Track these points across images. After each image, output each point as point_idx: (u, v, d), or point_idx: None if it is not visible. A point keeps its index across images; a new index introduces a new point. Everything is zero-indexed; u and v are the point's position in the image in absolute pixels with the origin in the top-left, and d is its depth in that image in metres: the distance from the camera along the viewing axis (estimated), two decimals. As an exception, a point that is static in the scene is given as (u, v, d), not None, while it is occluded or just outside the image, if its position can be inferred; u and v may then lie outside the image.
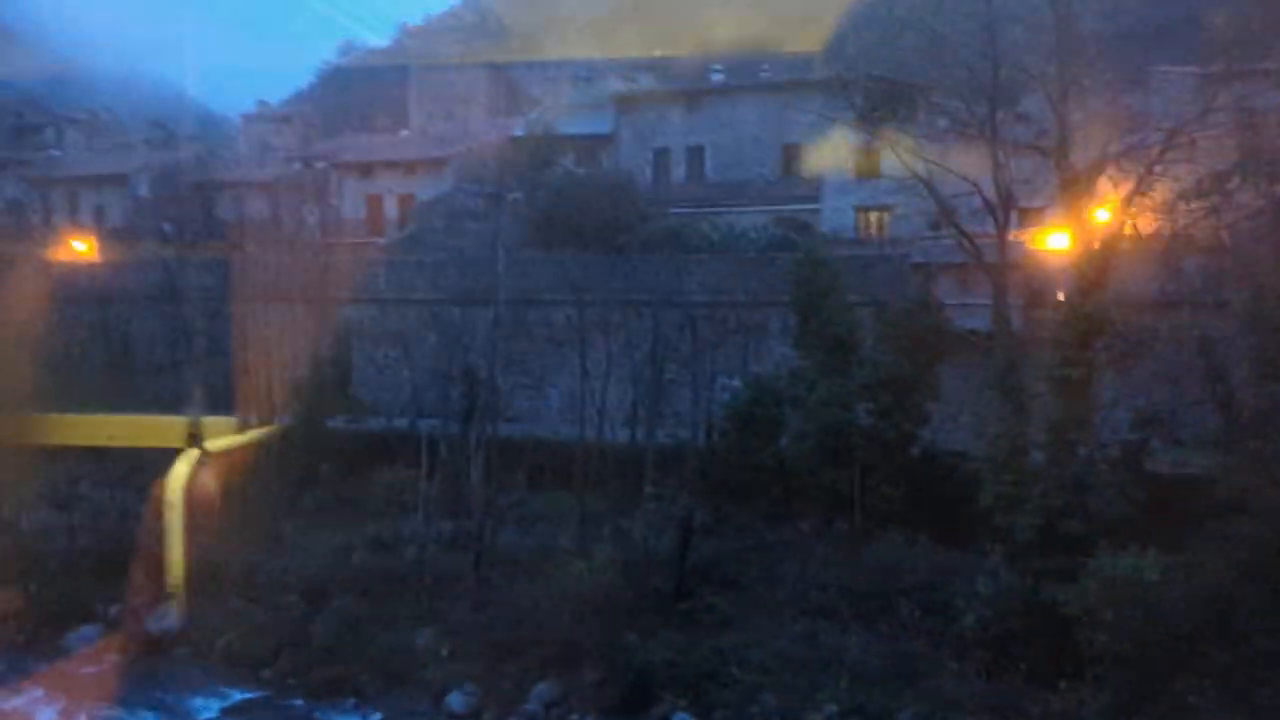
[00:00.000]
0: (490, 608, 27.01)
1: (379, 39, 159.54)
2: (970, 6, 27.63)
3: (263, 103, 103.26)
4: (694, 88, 58.17)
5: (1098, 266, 22.95)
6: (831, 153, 49.17)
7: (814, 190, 51.80)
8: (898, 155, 27.75)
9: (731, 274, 40.04)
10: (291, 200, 61.18)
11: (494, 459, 30.72)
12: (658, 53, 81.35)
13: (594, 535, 28.44)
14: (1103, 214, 25.41)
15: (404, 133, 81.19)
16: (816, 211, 50.61)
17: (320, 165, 66.07)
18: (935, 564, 25.18)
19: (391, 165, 56.89)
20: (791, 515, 28.00)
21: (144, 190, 57.84)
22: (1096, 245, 23.58)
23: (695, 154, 56.15)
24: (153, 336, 48.62)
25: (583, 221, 44.02)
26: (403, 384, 45.36)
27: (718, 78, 62.02)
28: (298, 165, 70.60)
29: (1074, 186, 23.79)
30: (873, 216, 48.76)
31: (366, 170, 57.82)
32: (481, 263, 45.33)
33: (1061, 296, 34.67)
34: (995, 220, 25.93)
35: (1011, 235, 40.17)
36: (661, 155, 56.96)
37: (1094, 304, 22.51)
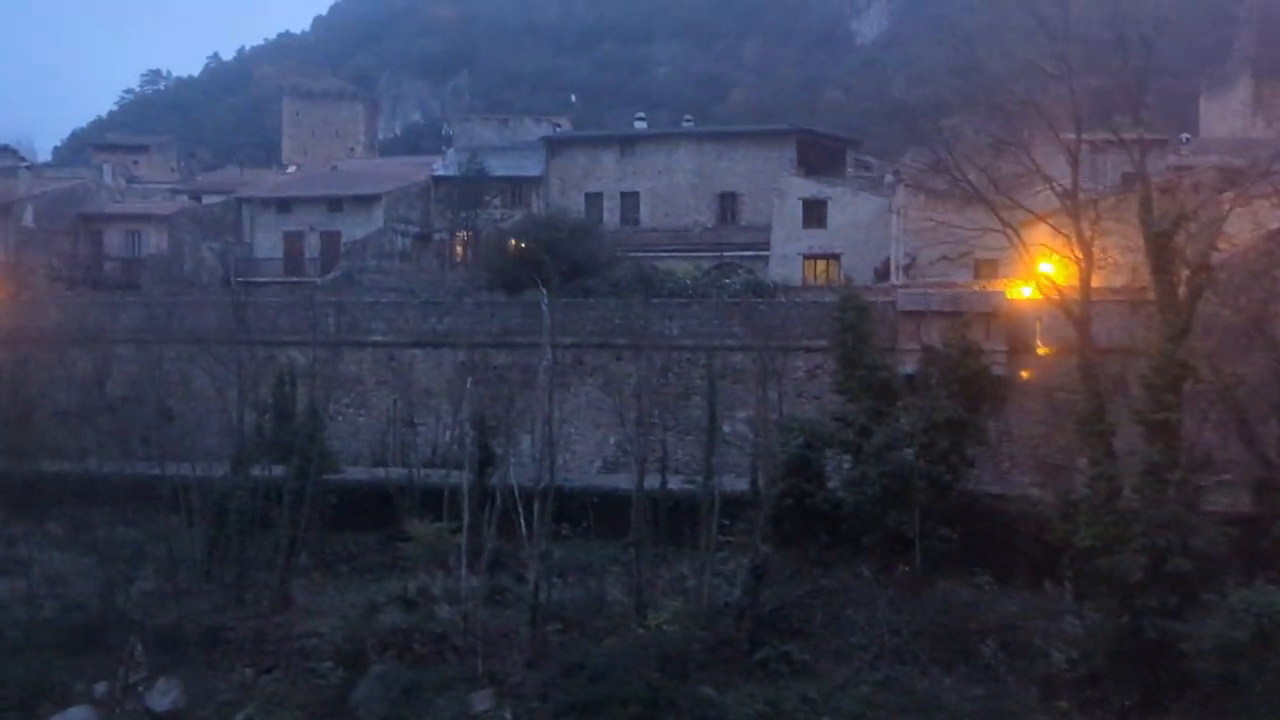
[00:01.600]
0: (548, 666, 25.61)
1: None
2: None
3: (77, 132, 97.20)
4: (628, 134, 58.50)
5: (1185, 314, 24.18)
6: (778, 202, 50.33)
7: (754, 238, 52.76)
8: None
9: (715, 319, 40.00)
10: (190, 235, 57.38)
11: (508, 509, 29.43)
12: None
13: (641, 585, 27.45)
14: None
15: (291, 168, 77.86)
16: (760, 259, 51.46)
17: (216, 199, 62.34)
18: (1006, 604, 25.62)
19: (313, 201, 54.14)
20: (846, 559, 27.90)
21: (29, 220, 52.79)
22: (1182, 293, 24.82)
23: (630, 199, 56.30)
24: (55, 382, 44.18)
25: (550, 263, 43.01)
26: (359, 431, 43.23)
27: (641, 125, 62.49)
28: (184, 198, 66.49)
29: (1160, 240, 24.99)
30: (819, 265, 49.99)
31: (285, 206, 54.82)
32: (442, 304, 43.93)
33: (1040, 344, 36.72)
34: (1080, 272, 26.72)
35: (978, 285, 42.38)
36: (594, 199, 56.79)
37: (1185, 350, 23.65)
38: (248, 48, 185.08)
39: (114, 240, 56.41)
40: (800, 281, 49.77)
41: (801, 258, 49.51)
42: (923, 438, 26.99)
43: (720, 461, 37.56)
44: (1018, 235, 27.97)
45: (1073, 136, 27.25)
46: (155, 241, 55.76)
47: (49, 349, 43.88)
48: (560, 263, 43.86)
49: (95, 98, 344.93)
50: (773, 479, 28.07)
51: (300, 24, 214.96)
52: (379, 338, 42.75)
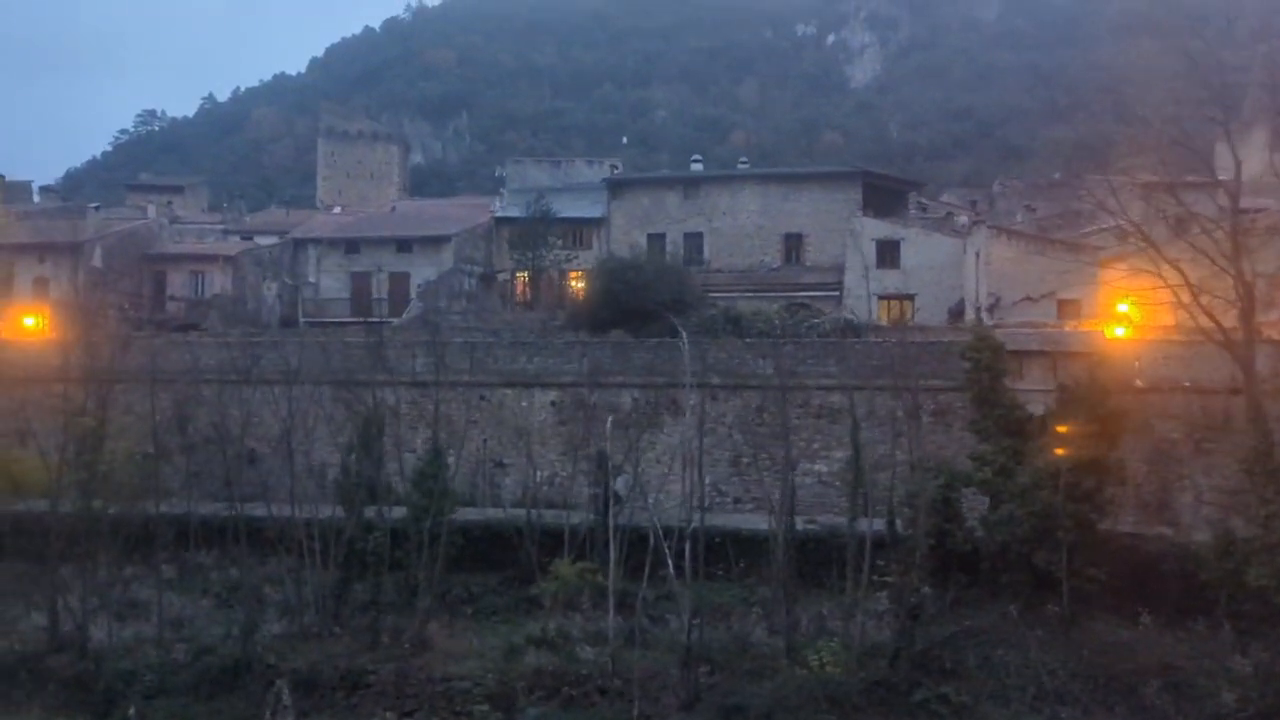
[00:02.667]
0: (704, 708, 25.39)
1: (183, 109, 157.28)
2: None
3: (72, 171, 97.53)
4: (692, 175, 58.95)
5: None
6: (851, 242, 50.71)
7: (821, 278, 53.13)
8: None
9: (811, 358, 40.12)
10: (252, 275, 57.47)
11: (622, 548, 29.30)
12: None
13: (789, 625, 27.30)
14: None
15: (336, 209, 78.04)
16: (828, 299, 51.78)
17: (268, 239, 62.51)
18: (1165, 643, 25.56)
19: (382, 242, 54.29)
20: (986, 599, 27.83)
21: (98, 261, 52.79)
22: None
23: (693, 240, 56.63)
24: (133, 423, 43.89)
25: (637, 304, 43.25)
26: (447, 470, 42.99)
27: (698, 166, 63.02)
28: (235, 238, 66.65)
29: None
30: (893, 305, 50.31)
31: (353, 246, 54.95)
32: (532, 344, 43.93)
33: (1139, 382, 36.88)
34: (1242, 311, 26.88)
35: (1070, 325, 42.66)
36: (656, 240, 57.11)
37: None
38: (243, 89, 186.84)
39: (177, 280, 56.40)
40: (875, 322, 50.12)
41: (876, 298, 49.82)
42: (1068, 476, 27.05)
43: (817, 502, 37.76)
44: (1172, 277, 27.92)
45: (1227, 178, 27.48)
46: (220, 282, 55.77)
47: (129, 389, 43.73)
48: (647, 303, 44.31)
49: (89, 138, 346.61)
50: (911, 519, 28.06)
51: (295, 66, 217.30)
52: (468, 377, 42.71)
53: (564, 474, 40.41)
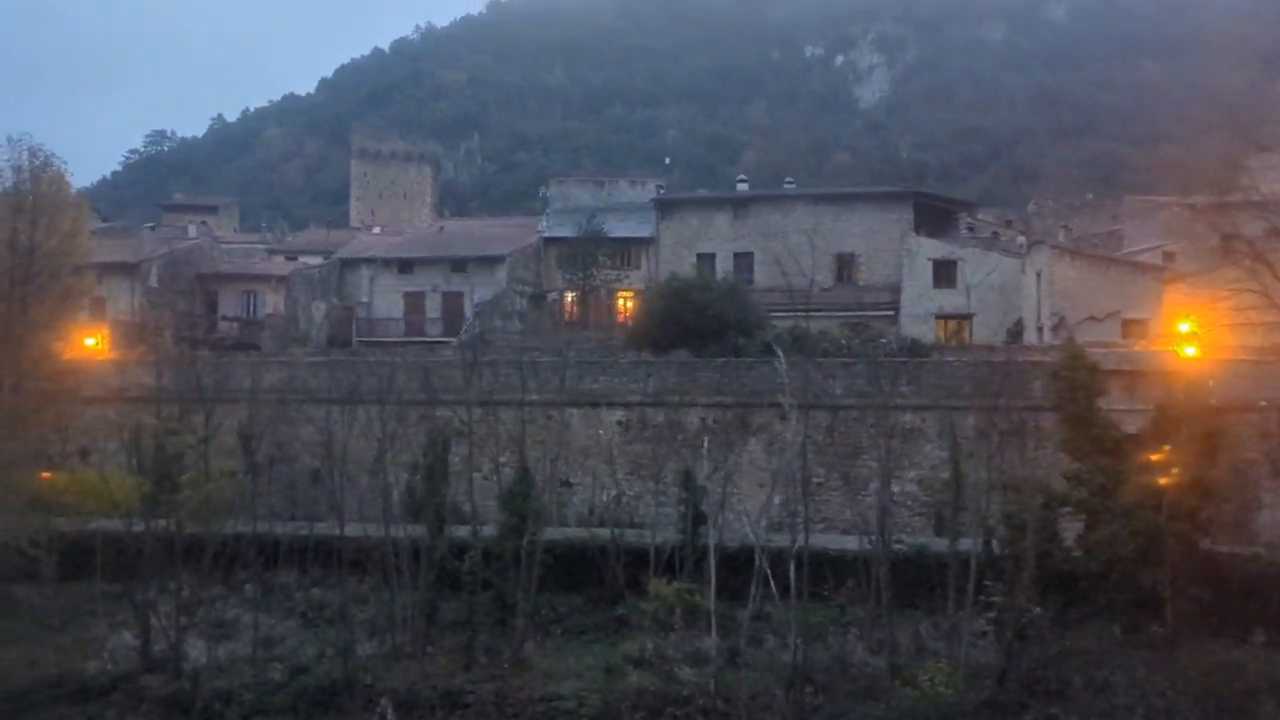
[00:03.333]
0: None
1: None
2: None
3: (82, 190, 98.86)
4: (741, 195, 59.15)
5: None
6: (908, 262, 50.85)
7: (874, 298, 53.20)
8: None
9: (880, 377, 40.06)
10: (303, 295, 57.69)
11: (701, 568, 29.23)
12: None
13: (891, 646, 27.21)
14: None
15: (376, 230, 78.29)
16: (882, 318, 51.84)
17: (311, 259, 62.79)
18: (1276, 662, 25.41)
19: (436, 262, 54.51)
20: (1084, 620, 27.71)
21: (154, 281, 53.01)
22: None
23: (743, 259, 56.74)
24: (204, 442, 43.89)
25: (701, 324, 43.32)
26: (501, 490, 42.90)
27: (743, 186, 63.25)
28: (280, 258, 66.95)
29: None
30: (950, 325, 50.35)
31: (406, 266, 55.16)
32: (598, 364, 43.97)
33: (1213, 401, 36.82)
34: None
35: (1139, 344, 42.66)
36: (705, 260, 57.24)
37: None
38: (252, 109, 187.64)
39: (229, 300, 56.61)
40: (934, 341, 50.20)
41: (934, 317, 49.87)
42: (1171, 495, 26.99)
43: (892, 522, 37.62)
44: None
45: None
46: (271, 301, 55.97)
47: (192, 409, 43.81)
48: (711, 322, 44.39)
49: (95, 158, 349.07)
50: (1009, 538, 27.99)
51: (304, 86, 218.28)
52: (534, 396, 42.73)
53: (631, 493, 40.52)
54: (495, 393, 43.30)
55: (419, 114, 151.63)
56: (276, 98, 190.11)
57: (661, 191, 63.71)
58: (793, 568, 27.55)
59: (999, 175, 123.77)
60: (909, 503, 38.83)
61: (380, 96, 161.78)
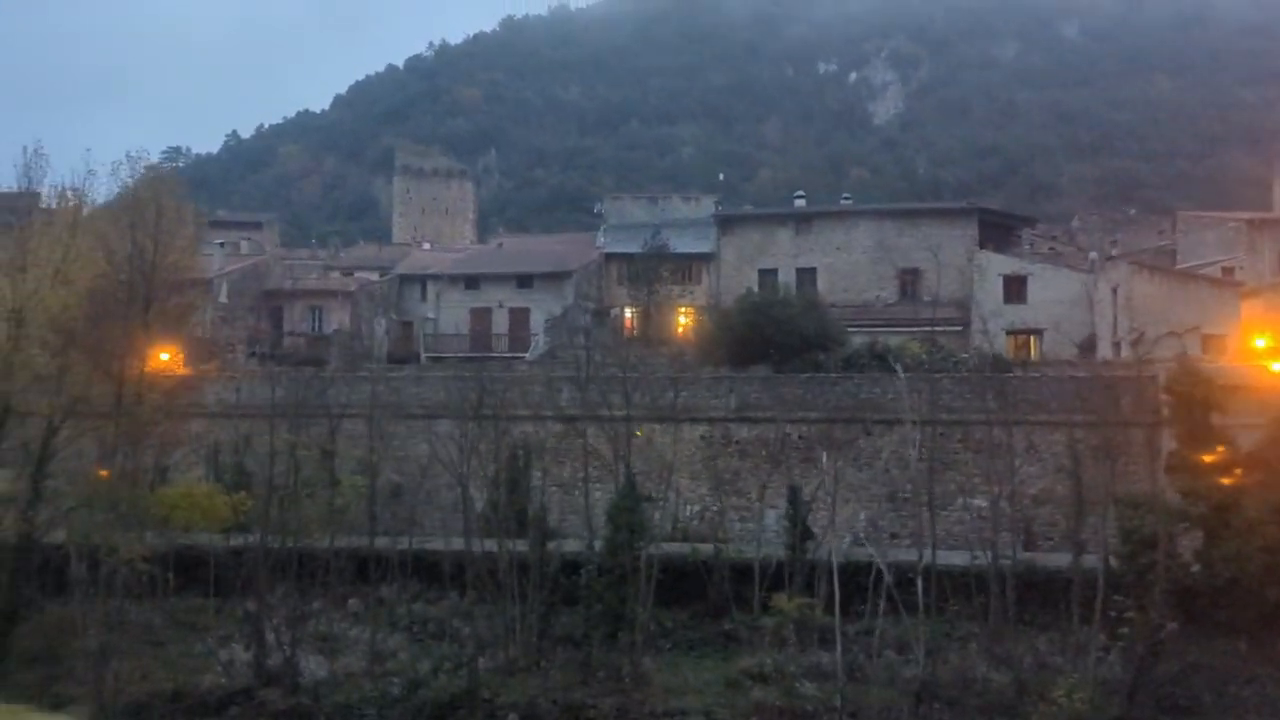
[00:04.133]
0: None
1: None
2: None
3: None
4: (804, 211, 59.31)
5: None
6: (978, 277, 50.93)
7: (939, 313, 53.26)
8: None
9: (968, 392, 40.07)
10: (367, 310, 58.02)
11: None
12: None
13: (1014, 662, 27.16)
14: None
15: (426, 245, 78.66)
16: (949, 333, 51.85)
17: (367, 275, 63.14)
18: None
19: (503, 278, 54.79)
20: (1205, 635, 27.63)
21: (224, 297, 53.43)
22: None
23: (806, 275, 56.84)
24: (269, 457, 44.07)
25: (782, 339, 43.40)
26: (596, 505, 43.01)
27: (800, 202, 63.45)
28: (336, 274, 67.33)
29: None
30: (1019, 340, 50.38)
31: (473, 282, 55.45)
32: (680, 379, 44.00)
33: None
34: None
35: (1222, 359, 42.59)
36: (767, 276, 57.36)
37: None
38: (267, 126, 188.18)
39: (295, 316, 56.94)
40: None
41: (1004, 333, 49.88)
42: (1297, 509, 26.94)
43: (977, 537, 37.58)
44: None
45: None
46: (337, 317, 56.29)
47: (273, 424, 43.97)
48: (791, 337, 44.49)
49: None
50: (1129, 554, 27.96)
51: (319, 103, 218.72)
52: (618, 412, 42.82)
53: (714, 508, 40.53)
54: (572, 409, 43.53)
55: (435, 130, 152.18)
56: (291, 114, 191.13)
57: (720, 208, 63.90)
58: (920, 583, 27.55)
59: (1016, 192, 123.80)
60: (983, 517, 38.84)
61: (397, 113, 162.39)
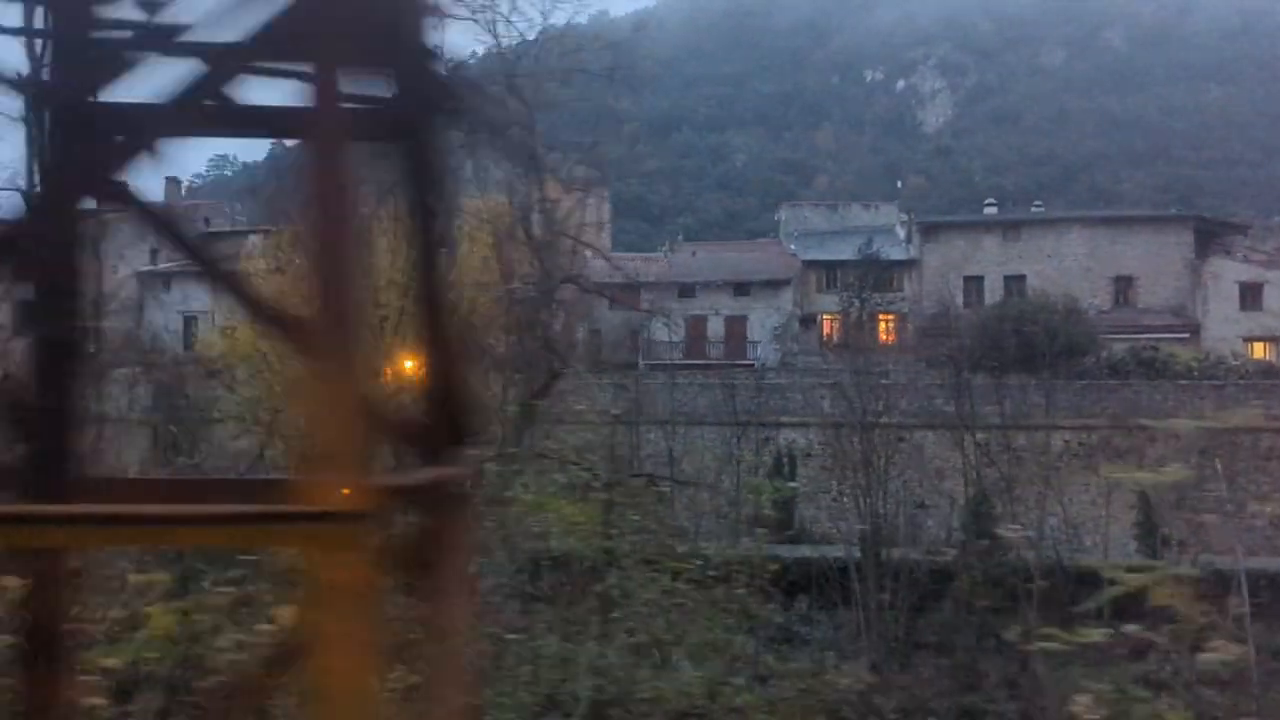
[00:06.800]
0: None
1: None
2: None
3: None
4: (1012, 218, 59.38)
5: None
6: (1211, 285, 50.82)
7: (1156, 320, 53.17)
8: None
9: (1256, 398, 40.01)
10: (570, 318, 58.54)
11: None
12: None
13: None
14: None
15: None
16: (1171, 340, 51.68)
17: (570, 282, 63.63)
18: None
19: (719, 287, 55.26)
20: None
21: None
22: None
23: (1014, 282, 56.81)
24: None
25: (1040, 346, 43.51)
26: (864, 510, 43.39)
27: (991, 210, 63.51)
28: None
29: None
30: (1258, 346, 50.20)
31: (688, 290, 55.92)
32: (946, 386, 44.29)
33: None
34: None
35: None
36: (973, 283, 57.44)
37: None
38: None
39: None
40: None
41: (1241, 340, 49.71)
42: None
43: (1269, 544, 37.56)
44: None
45: None
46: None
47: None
48: (1053, 345, 44.59)
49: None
50: None
51: None
52: (886, 419, 43.13)
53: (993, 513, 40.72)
54: (833, 414, 43.89)
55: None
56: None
57: (911, 216, 64.04)
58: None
59: (1076, 199, 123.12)
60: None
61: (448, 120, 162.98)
